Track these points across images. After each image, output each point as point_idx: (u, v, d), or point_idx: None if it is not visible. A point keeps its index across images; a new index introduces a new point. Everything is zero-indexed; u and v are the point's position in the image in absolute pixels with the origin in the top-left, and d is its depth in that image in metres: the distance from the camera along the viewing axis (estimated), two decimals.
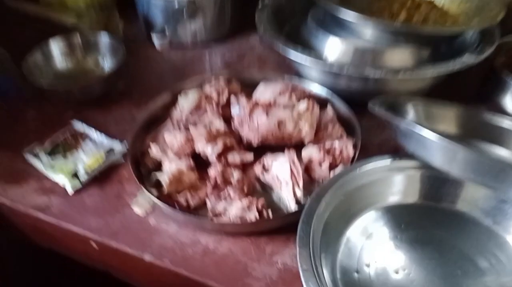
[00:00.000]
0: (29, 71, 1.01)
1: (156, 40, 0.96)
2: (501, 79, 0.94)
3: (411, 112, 0.87)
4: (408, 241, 0.71)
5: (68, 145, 0.89)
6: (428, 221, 0.74)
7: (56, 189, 0.82)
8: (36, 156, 0.86)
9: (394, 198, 0.76)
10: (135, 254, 0.71)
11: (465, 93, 0.99)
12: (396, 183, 0.76)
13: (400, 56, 0.94)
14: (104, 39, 1.10)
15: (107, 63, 1.11)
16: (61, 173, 0.83)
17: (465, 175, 0.65)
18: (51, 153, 0.87)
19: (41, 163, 0.85)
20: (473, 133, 0.85)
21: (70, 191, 0.81)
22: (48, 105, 1.02)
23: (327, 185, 0.72)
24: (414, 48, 0.93)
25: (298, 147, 0.86)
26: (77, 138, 0.90)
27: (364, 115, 0.96)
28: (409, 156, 0.75)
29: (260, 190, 0.82)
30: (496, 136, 0.82)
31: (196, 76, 1.07)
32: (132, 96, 1.05)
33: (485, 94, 0.99)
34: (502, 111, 0.93)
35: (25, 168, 0.86)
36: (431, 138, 0.66)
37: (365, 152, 0.85)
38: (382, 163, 0.76)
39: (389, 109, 0.82)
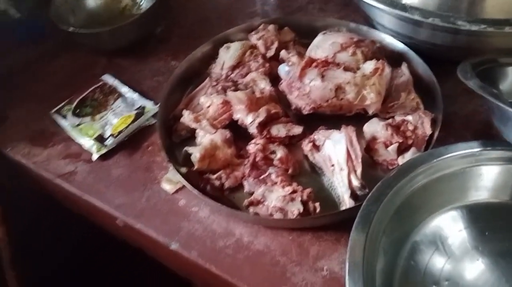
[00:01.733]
0: (57, 12, 0.90)
1: None
2: None
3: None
4: (492, 254, 0.56)
5: (98, 104, 0.80)
6: None
7: (82, 154, 0.75)
8: (63, 116, 0.78)
9: (479, 195, 0.60)
10: (161, 241, 0.63)
11: None
12: (485, 177, 0.59)
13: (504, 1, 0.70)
14: None
15: (146, 3, 0.98)
16: (87, 136, 0.75)
17: None
18: (79, 113, 0.79)
19: (68, 124, 0.77)
20: None
21: (95, 156, 0.73)
22: (79, 53, 0.92)
23: (392, 179, 0.56)
24: None
25: (359, 117, 0.70)
26: (108, 96, 0.80)
27: (448, 77, 0.75)
28: (506, 144, 0.57)
29: (308, 170, 0.68)
30: None
31: (243, 22, 0.91)
32: (171, 44, 0.92)
33: None
34: None
35: (52, 128, 0.79)
36: None
37: (446, 128, 0.68)
38: (469, 151, 0.59)
39: (485, 74, 0.63)
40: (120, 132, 0.74)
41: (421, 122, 0.66)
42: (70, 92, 0.83)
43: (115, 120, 0.76)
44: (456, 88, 0.76)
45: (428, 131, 0.65)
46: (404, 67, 0.74)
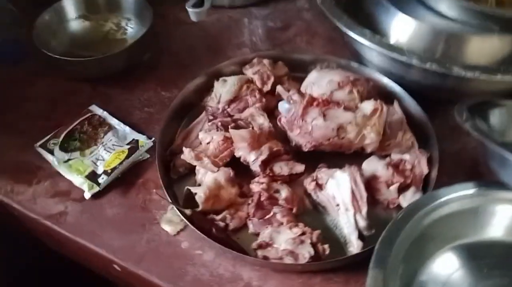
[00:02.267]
0: (40, 36, 0.86)
1: (192, 12, 0.79)
2: None
3: (506, 119, 0.71)
4: None
5: (87, 137, 0.76)
6: None
7: (72, 192, 0.71)
8: (50, 151, 0.74)
9: (476, 233, 0.63)
10: None
11: None
12: (482, 216, 0.62)
13: (488, 47, 0.75)
14: None
15: (131, 29, 0.95)
16: (77, 173, 0.71)
17: None
18: (67, 147, 0.74)
19: (55, 159, 0.73)
20: None
21: (87, 195, 0.69)
22: (62, 79, 0.87)
23: (400, 221, 0.58)
24: (507, 38, 0.74)
25: (356, 154, 0.72)
26: (97, 129, 0.77)
27: (436, 114, 0.80)
28: (501, 185, 0.61)
29: (310, 208, 0.69)
30: None
31: (235, 56, 0.91)
32: (160, 72, 0.90)
33: None
34: None
35: (37, 162, 0.74)
36: None
37: (438, 166, 0.70)
38: (466, 192, 0.62)
39: (478, 115, 0.66)
40: (113, 169, 0.71)
41: (417, 162, 0.68)
42: (55, 123, 0.78)
43: (107, 155, 0.73)
44: (443, 126, 0.79)
45: (425, 170, 0.68)
46: (396, 106, 0.76)
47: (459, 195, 0.61)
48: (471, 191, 0.62)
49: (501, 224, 0.62)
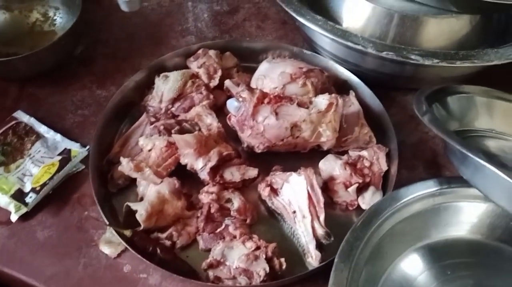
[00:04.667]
0: None
1: (122, 2, 0.69)
2: None
3: (465, 105, 0.67)
4: None
5: (12, 149, 0.67)
6: (483, 264, 0.58)
7: None
8: None
9: (439, 233, 0.60)
10: None
11: None
12: (444, 214, 0.59)
13: (445, 29, 0.71)
14: None
15: (60, 19, 0.85)
16: (2, 192, 0.62)
17: None
18: None
19: None
20: None
21: (14, 217, 0.61)
22: None
23: (360, 230, 0.54)
24: (464, 19, 0.70)
25: (312, 151, 0.67)
26: (23, 139, 0.68)
27: (392, 103, 0.76)
28: (462, 180, 0.58)
29: (265, 215, 0.64)
30: None
31: (179, 45, 0.84)
32: (95, 67, 0.81)
33: None
34: None
35: None
36: (500, 176, 0.48)
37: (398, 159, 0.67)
38: (428, 191, 0.58)
39: (436, 102, 0.63)
40: (43, 185, 0.62)
41: (376, 158, 0.64)
42: None
43: (35, 169, 0.64)
44: (401, 115, 0.76)
45: (384, 167, 0.64)
46: (352, 97, 0.72)
47: (420, 194, 0.58)
48: (432, 190, 0.58)
49: (463, 222, 0.59)
